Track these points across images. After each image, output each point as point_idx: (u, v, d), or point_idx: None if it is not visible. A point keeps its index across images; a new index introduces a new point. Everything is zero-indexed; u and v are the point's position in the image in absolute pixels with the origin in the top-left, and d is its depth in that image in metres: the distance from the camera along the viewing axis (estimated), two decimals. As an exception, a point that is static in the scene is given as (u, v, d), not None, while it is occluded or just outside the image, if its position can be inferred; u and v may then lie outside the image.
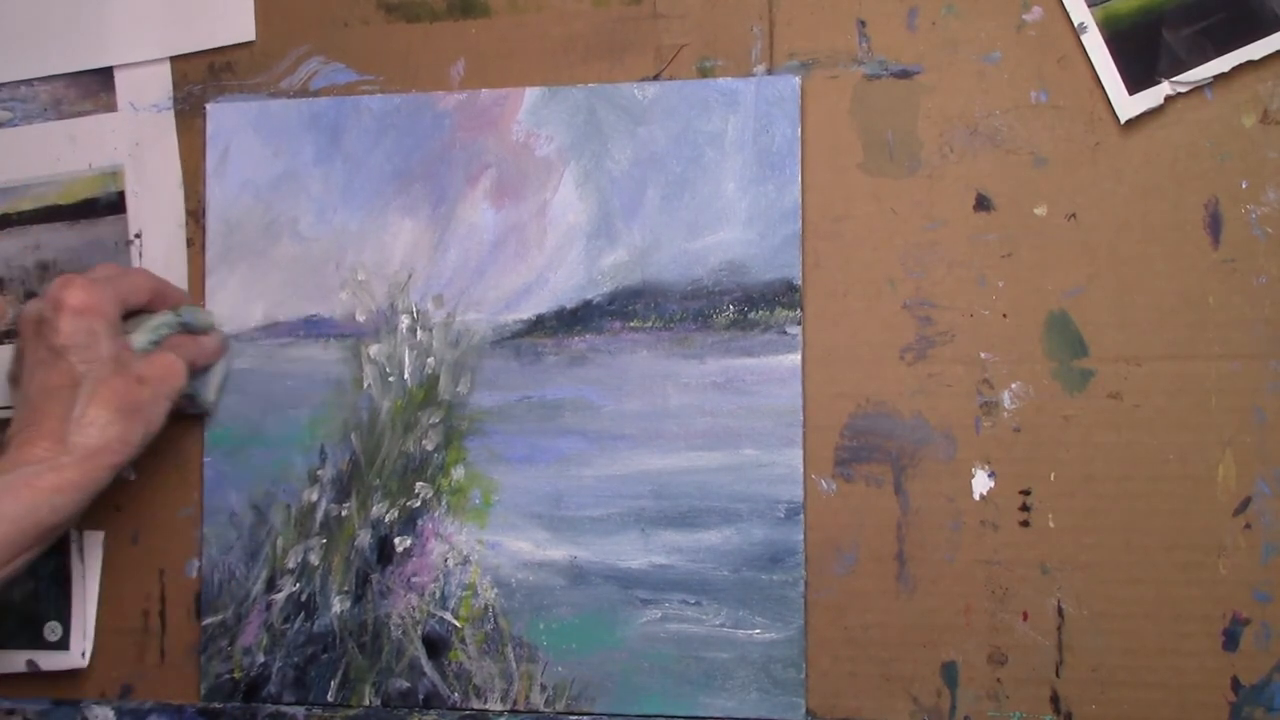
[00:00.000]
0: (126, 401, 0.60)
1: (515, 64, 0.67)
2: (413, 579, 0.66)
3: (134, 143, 0.70)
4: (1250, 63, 0.60)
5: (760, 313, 0.63)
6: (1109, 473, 0.60)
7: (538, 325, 0.65)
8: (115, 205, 0.70)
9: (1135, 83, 0.60)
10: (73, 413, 0.59)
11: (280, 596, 0.67)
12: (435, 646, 0.65)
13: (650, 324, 0.64)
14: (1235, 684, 0.59)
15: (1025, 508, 0.61)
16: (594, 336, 0.65)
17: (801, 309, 0.63)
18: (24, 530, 0.57)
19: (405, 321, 0.67)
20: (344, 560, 0.66)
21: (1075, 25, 0.61)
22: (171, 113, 0.70)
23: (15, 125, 0.71)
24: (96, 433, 0.59)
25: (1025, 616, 0.61)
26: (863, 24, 0.63)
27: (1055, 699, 0.60)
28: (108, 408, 0.60)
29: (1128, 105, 0.61)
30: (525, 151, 0.66)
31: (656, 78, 0.66)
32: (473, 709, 0.65)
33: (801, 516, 0.62)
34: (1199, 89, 0.60)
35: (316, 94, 0.68)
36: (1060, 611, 0.61)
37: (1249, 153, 0.60)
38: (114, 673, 0.69)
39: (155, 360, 0.63)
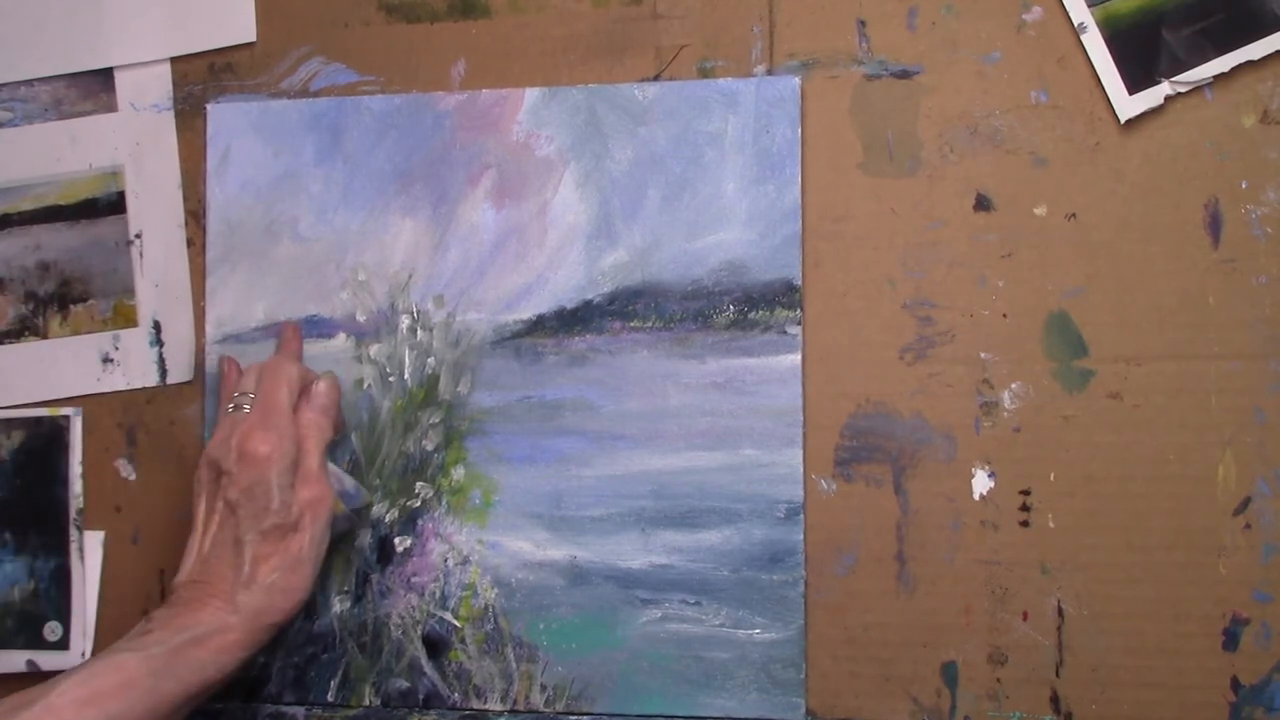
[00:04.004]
0: (288, 556, 0.59)
1: (516, 64, 0.67)
2: (413, 579, 0.66)
3: (134, 143, 0.70)
4: (1250, 63, 0.60)
5: (760, 313, 0.63)
6: (1109, 473, 0.60)
7: (538, 325, 0.65)
8: (115, 205, 0.70)
9: (1135, 83, 0.61)
10: (240, 573, 0.58)
11: (280, 596, 0.67)
12: (435, 646, 0.65)
13: (650, 324, 0.64)
14: (1235, 684, 0.59)
15: (1025, 508, 0.61)
16: (594, 336, 0.65)
17: (801, 309, 0.63)
18: (190, 689, 0.56)
19: (405, 321, 0.67)
20: (344, 560, 0.66)
21: (1075, 25, 0.61)
22: (172, 113, 0.70)
23: (15, 125, 0.71)
24: (262, 593, 0.58)
25: (1025, 616, 0.61)
26: (863, 24, 0.64)
27: (1055, 699, 0.60)
28: (272, 565, 0.58)
29: (1128, 105, 0.61)
30: (525, 152, 0.66)
31: (657, 78, 0.66)
32: (473, 709, 0.65)
33: (801, 516, 0.62)
34: (1199, 89, 0.60)
35: (317, 94, 0.69)
36: (1060, 611, 0.61)
37: (1249, 153, 0.60)
38: (114, 673, 0.69)
39: (303, 497, 0.60)
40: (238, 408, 0.61)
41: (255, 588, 0.58)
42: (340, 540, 0.65)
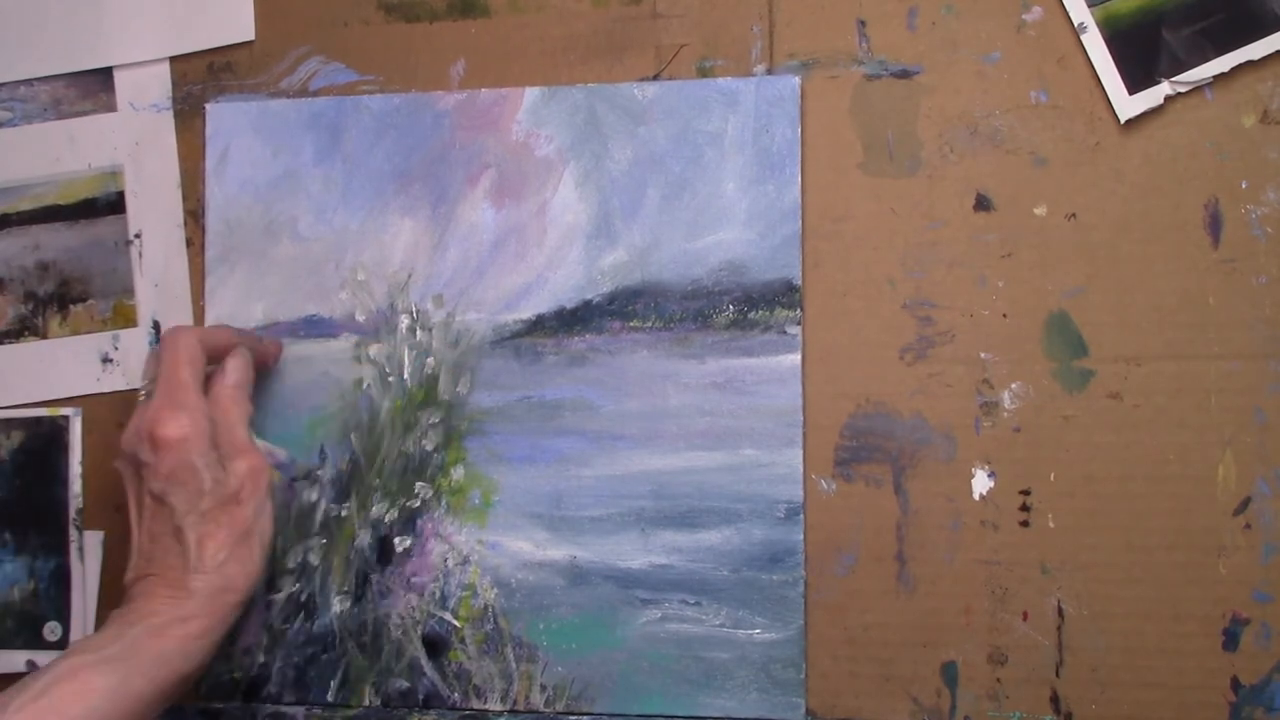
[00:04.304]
0: (235, 530, 0.58)
1: (515, 64, 0.67)
2: (412, 579, 0.66)
3: (134, 143, 0.70)
4: (1250, 63, 0.60)
5: (760, 313, 0.63)
6: (1109, 473, 0.60)
7: (537, 325, 0.65)
8: (115, 205, 0.70)
9: (1135, 83, 0.60)
10: (188, 559, 0.57)
11: (280, 597, 0.67)
12: (435, 646, 0.65)
13: (650, 324, 0.64)
14: (1235, 684, 0.59)
15: (1025, 508, 0.61)
16: (594, 336, 0.65)
17: (801, 309, 0.63)
18: (159, 685, 0.54)
19: (405, 321, 0.67)
20: (344, 560, 0.66)
21: (1075, 25, 0.61)
22: (171, 113, 0.70)
23: (15, 125, 0.71)
24: (218, 572, 0.57)
25: (1025, 616, 0.61)
26: (863, 24, 0.63)
27: (1055, 699, 0.60)
28: (220, 543, 0.57)
29: (1128, 105, 0.61)
30: (525, 151, 0.66)
31: (656, 78, 0.66)
32: (473, 709, 0.65)
33: (801, 516, 0.62)
34: (1199, 89, 0.60)
35: (316, 94, 0.68)
36: (1060, 611, 0.61)
37: (1249, 153, 0.60)
38: (114, 673, 0.69)
39: (239, 469, 0.58)
40: (148, 395, 0.60)
41: (207, 569, 0.57)
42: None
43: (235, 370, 0.61)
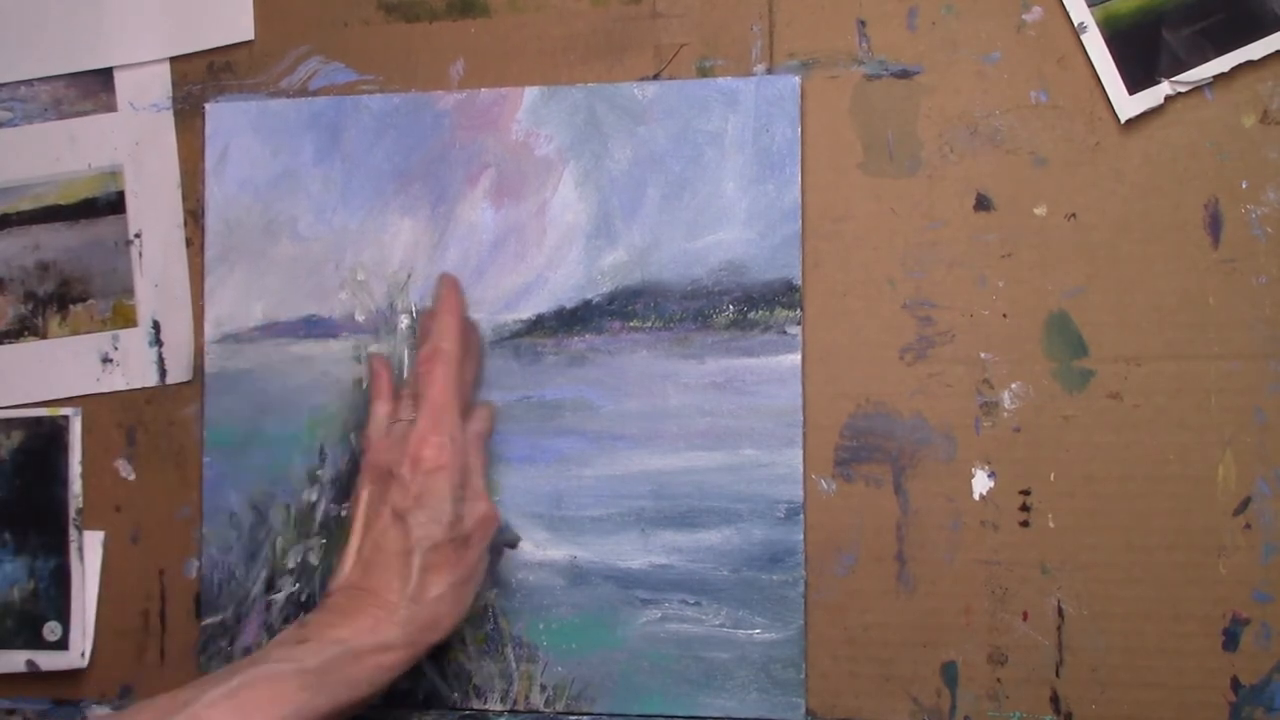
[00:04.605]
0: (459, 571, 0.58)
1: (515, 64, 0.67)
2: (413, 579, 0.66)
3: (134, 142, 0.70)
4: (1250, 63, 0.60)
5: (760, 313, 0.63)
6: (1109, 473, 0.60)
7: (537, 325, 0.65)
8: (115, 205, 0.70)
9: (1135, 83, 0.60)
10: (408, 584, 0.56)
11: (280, 597, 0.67)
12: (435, 646, 0.65)
13: (650, 324, 0.64)
14: (1235, 684, 0.59)
15: (1025, 508, 0.61)
16: (594, 336, 0.65)
17: (801, 309, 0.63)
18: (340, 706, 0.53)
19: (405, 321, 0.67)
20: (344, 560, 0.66)
21: (1075, 25, 0.61)
22: (171, 112, 0.70)
23: (15, 125, 0.71)
24: (430, 607, 0.57)
25: (1025, 616, 0.61)
26: (863, 24, 0.63)
27: (1055, 699, 0.60)
28: (442, 579, 0.57)
29: (1128, 105, 0.61)
30: (525, 151, 0.66)
31: (656, 77, 0.65)
32: (473, 709, 0.65)
33: (801, 516, 0.62)
34: (1199, 89, 0.60)
35: (316, 94, 0.68)
36: (1060, 611, 0.61)
37: (1249, 153, 0.60)
38: (114, 673, 0.69)
39: (476, 512, 0.58)
40: (408, 415, 0.60)
41: (423, 601, 0.56)
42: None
43: (482, 419, 0.62)
